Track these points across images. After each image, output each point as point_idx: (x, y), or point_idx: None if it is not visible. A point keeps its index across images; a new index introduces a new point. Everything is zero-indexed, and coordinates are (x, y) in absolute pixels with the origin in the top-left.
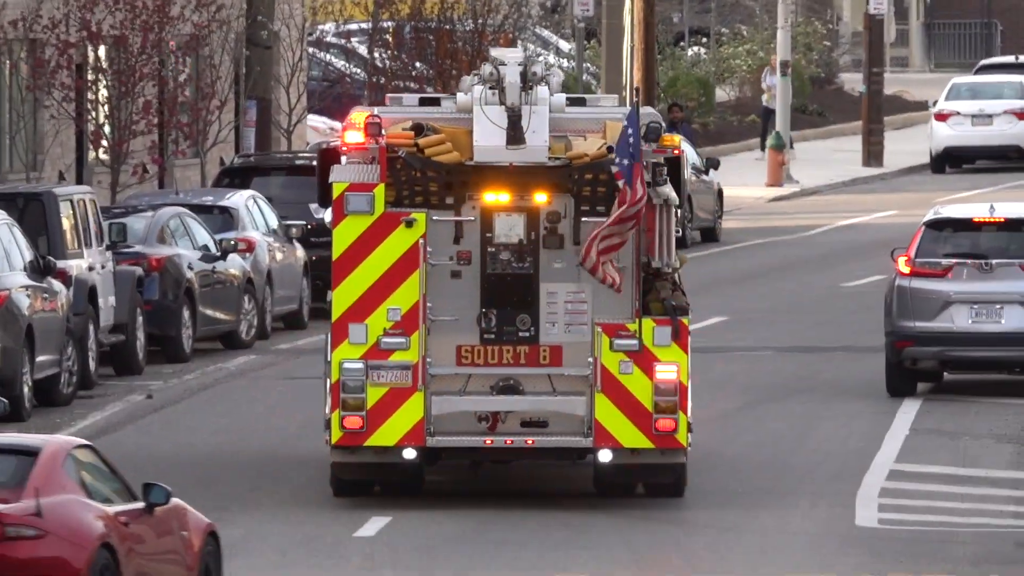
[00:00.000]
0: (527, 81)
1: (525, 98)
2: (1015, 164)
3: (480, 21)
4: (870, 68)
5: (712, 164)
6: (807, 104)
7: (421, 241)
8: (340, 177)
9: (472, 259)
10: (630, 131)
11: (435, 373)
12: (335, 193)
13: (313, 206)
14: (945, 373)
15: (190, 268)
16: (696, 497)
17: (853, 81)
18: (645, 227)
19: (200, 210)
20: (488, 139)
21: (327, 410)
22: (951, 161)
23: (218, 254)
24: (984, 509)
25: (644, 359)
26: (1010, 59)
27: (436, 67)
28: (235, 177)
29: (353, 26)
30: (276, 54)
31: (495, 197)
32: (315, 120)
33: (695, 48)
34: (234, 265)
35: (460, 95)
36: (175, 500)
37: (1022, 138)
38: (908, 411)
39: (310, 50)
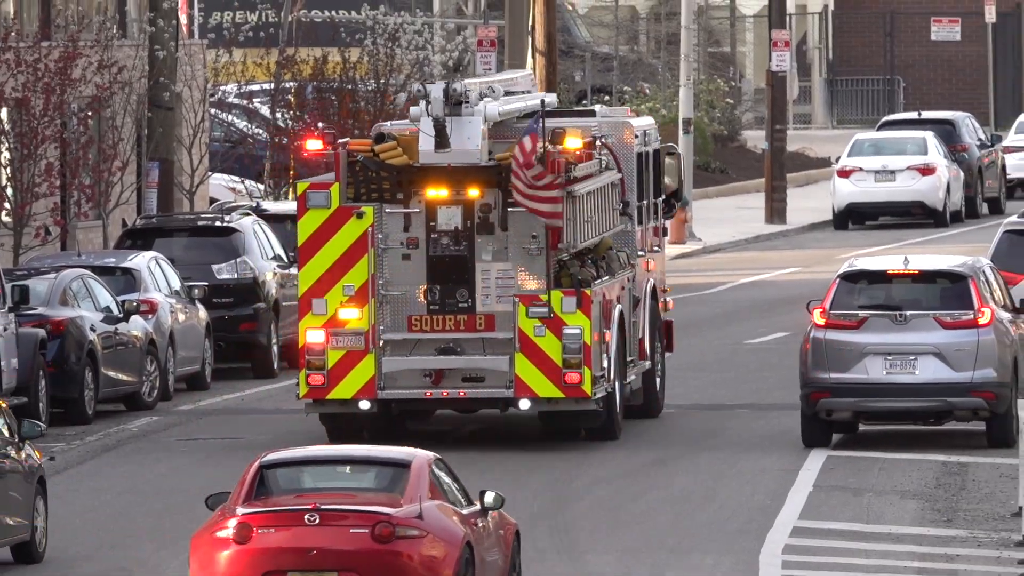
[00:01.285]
0: (449, 96)
1: (456, 110)
2: (919, 221)
3: (382, 81)
4: (773, 125)
5: None
6: (710, 161)
7: (370, 229)
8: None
9: (419, 244)
10: (535, 123)
11: (388, 338)
12: (298, 191)
13: (215, 267)
14: (860, 424)
15: (92, 330)
16: (603, 556)
17: (756, 138)
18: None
19: (102, 272)
20: (427, 144)
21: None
22: (854, 218)
23: (121, 316)
24: (887, 565)
25: (554, 324)
26: (913, 115)
27: (339, 127)
28: (137, 238)
29: (255, 87)
30: (178, 115)
31: (436, 192)
32: (219, 179)
33: (598, 106)
34: (137, 327)
35: (412, 108)
36: None
37: (926, 194)
38: (812, 467)
39: (212, 111)
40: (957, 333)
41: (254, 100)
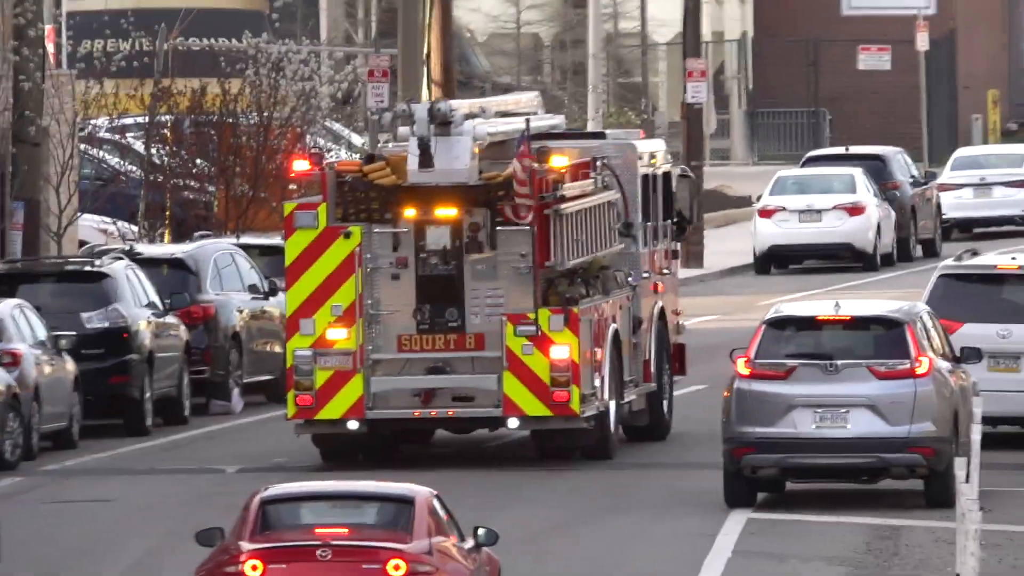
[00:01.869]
0: (434, 116)
1: (444, 130)
2: (847, 264)
3: (266, 114)
4: (689, 161)
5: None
6: None
7: (357, 250)
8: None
9: (408, 263)
10: (520, 139)
11: (377, 358)
12: (286, 211)
13: (85, 315)
14: (787, 482)
15: None
16: None
17: None
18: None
19: None
20: (414, 164)
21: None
22: (777, 261)
23: None
24: None
25: (542, 342)
26: (840, 150)
27: (219, 163)
28: (0, 284)
29: (128, 120)
30: (45, 151)
31: (424, 212)
32: (89, 220)
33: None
34: None
35: (401, 128)
36: None
37: (854, 235)
38: (731, 531)
39: (82, 146)
40: (892, 384)
41: (127, 135)
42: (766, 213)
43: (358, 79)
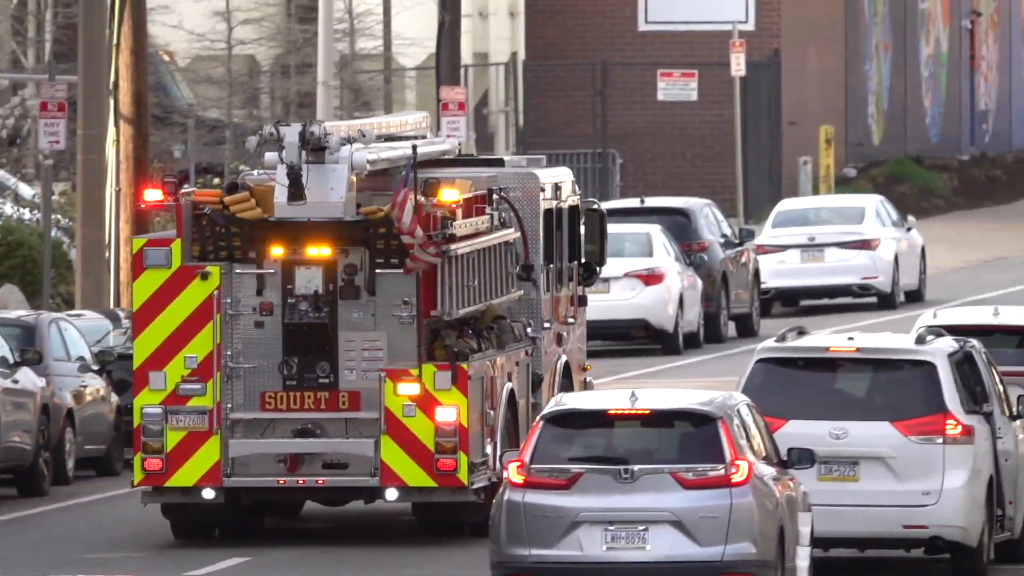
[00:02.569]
0: (306, 141)
1: (318, 156)
2: (641, 346)
3: None
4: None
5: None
6: None
7: (216, 292)
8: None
9: (274, 310)
10: (406, 175)
11: (237, 418)
12: (135, 247)
13: None
14: None
15: None
16: None
17: None
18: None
19: None
20: (282, 196)
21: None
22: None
23: None
24: None
25: (426, 402)
26: (633, 203)
27: None
28: None
29: None
30: None
31: (293, 251)
32: None
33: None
34: None
35: (268, 154)
36: None
37: (650, 310)
38: None
39: None
40: (703, 495)
41: None
42: None
43: (27, 113)
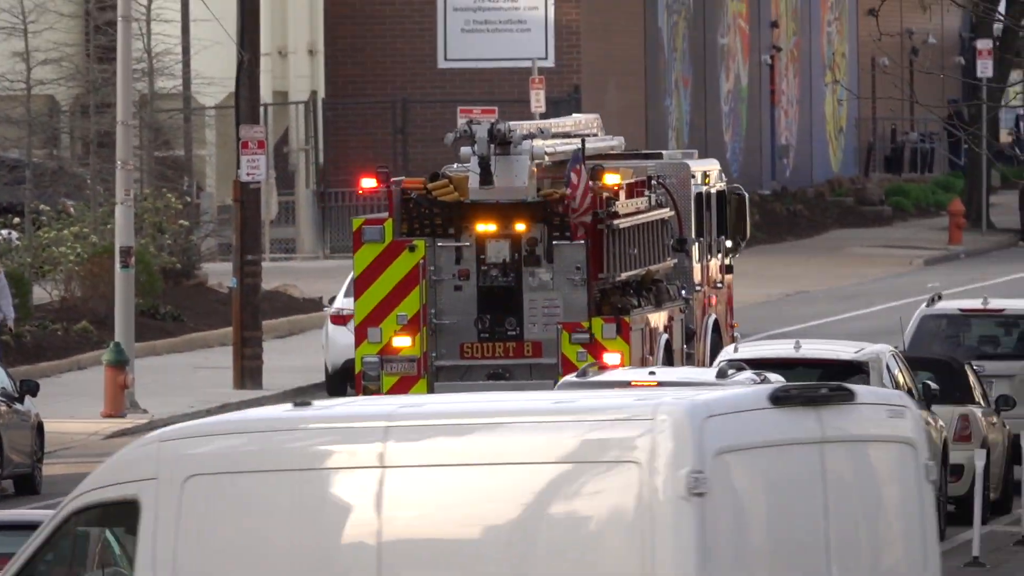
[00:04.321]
0: (494, 136)
1: (504, 149)
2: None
3: None
4: (243, 256)
5: (29, 389)
6: (159, 305)
7: (422, 262)
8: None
9: (470, 275)
10: (576, 164)
11: (441, 364)
12: (354, 226)
13: None
14: None
15: None
16: None
17: (221, 273)
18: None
19: None
20: (475, 182)
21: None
22: (355, 379)
23: None
24: None
25: (595, 349)
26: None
27: None
28: None
29: None
30: None
31: (485, 227)
32: None
33: (4, 232)
34: None
35: (463, 148)
36: None
37: None
38: None
39: None
40: None
41: None
42: (341, 319)
43: None
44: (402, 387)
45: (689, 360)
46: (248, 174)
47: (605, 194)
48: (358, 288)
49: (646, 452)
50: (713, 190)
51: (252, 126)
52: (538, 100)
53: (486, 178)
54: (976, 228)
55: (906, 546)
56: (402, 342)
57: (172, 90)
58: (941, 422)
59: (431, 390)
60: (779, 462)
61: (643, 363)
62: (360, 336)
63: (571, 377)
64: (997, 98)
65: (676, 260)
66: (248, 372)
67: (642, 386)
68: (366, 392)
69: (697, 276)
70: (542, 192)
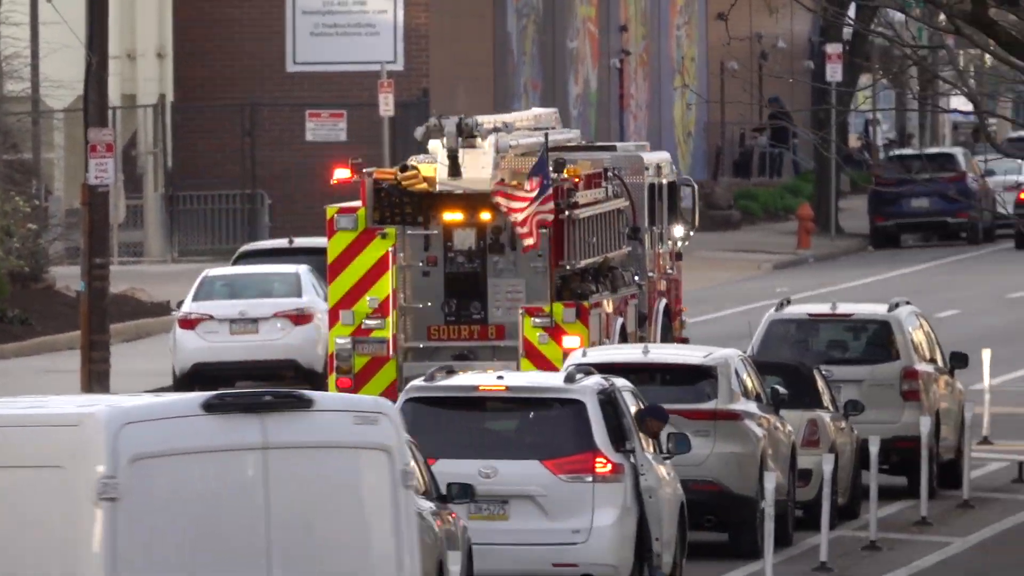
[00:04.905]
0: (461, 129)
1: (470, 142)
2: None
3: None
4: (91, 259)
5: None
6: (6, 308)
7: (392, 249)
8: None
9: (437, 262)
10: (542, 157)
11: (408, 346)
12: (328, 214)
13: None
14: None
15: None
16: None
17: (69, 277)
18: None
19: None
20: (443, 173)
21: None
22: (204, 383)
23: None
24: None
25: (555, 332)
26: (282, 242)
27: None
28: None
29: None
30: None
31: (452, 216)
32: None
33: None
34: None
35: (431, 141)
36: None
37: (300, 350)
38: None
39: None
40: None
41: None
42: (189, 323)
43: None
44: (373, 367)
45: (642, 342)
46: (96, 177)
47: (566, 186)
48: (331, 273)
49: (69, 457)
50: (665, 181)
51: (100, 129)
52: (387, 104)
53: (454, 170)
54: (825, 233)
55: (378, 550)
56: (373, 324)
57: (20, 93)
58: (789, 427)
59: (400, 371)
60: (212, 468)
61: (600, 345)
62: (333, 319)
63: (419, 381)
64: (847, 103)
65: (631, 248)
66: (96, 376)
67: (489, 390)
68: (339, 372)
69: (649, 263)
70: (506, 183)
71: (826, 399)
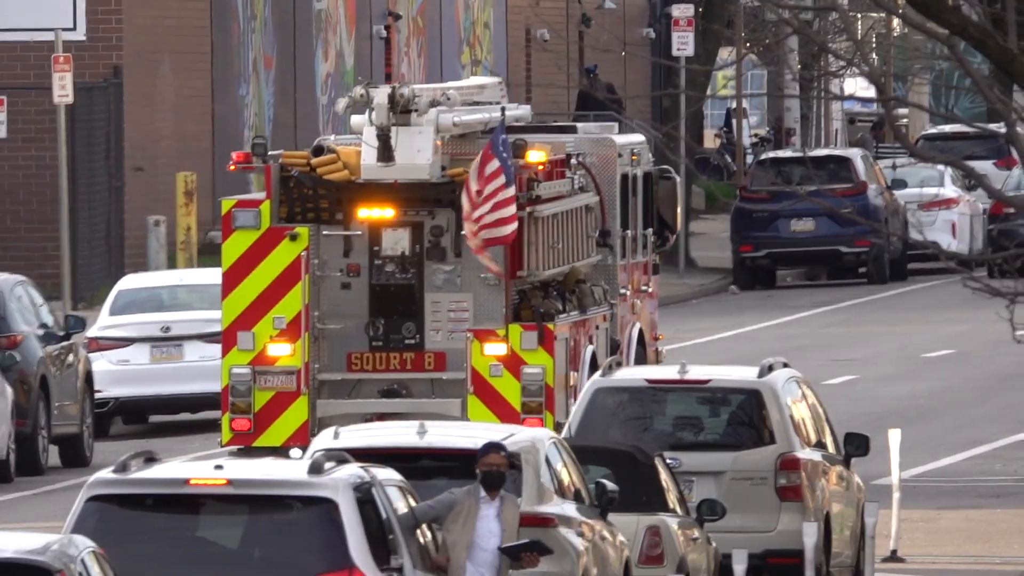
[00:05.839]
0: (395, 103)
1: (404, 119)
2: None
3: None
4: None
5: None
6: None
7: (304, 254)
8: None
9: (360, 271)
10: (500, 138)
11: (324, 379)
12: (224, 208)
13: None
14: None
15: None
16: None
17: None
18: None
19: None
20: (370, 158)
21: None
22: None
23: None
24: None
25: (512, 362)
26: None
27: None
28: None
29: None
30: None
31: (380, 212)
32: None
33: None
34: None
35: (354, 117)
36: None
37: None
38: None
39: None
40: None
41: None
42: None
43: None
44: (278, 405)
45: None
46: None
47: (527, 174)
48: (227, 284)
49: None
50: (640, 172)
51: None
52: (63, 86)
53: (385, 153)
54: (670, 267)
55: None
56: (279, 350)
57: None
58: (622, 537)
59: (312, 408)
60: None
61: (567, 382)
62: (228, 343)
63: (106, 473)
64: (701, 86)
65: (600, 256)
66: None
67: (203, 485)
68: (234, 410)
69: (622, 276)
70: (448, 172)
71: (672, 498)
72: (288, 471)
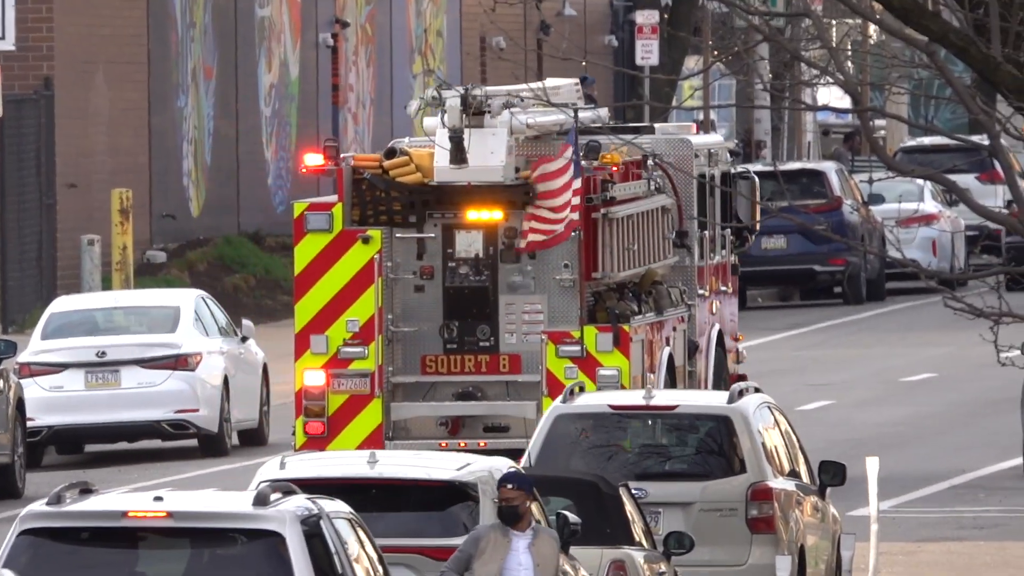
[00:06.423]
0: (468, 105)
1: (477, 121)
2: None
3: None
4: None
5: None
6: None
7: (377, 256)
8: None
9: (434, 274)
10: (571, 139)
11: (397, 381)
12: (296, 212)
13: None
14: None
15: None
16: None
17: None
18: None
19: None
20: (443, 160)
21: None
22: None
23: None
24: None
25: (588, 364)
26: None
27: None
28: None
29: None
30: None
31: (454, 215)
32: None
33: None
34: None
35: (427, 119)
36: None
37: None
38: None
39: None
40: None
41: None
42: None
43: None
44: (352, 408)
45: (691, 379)
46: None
47: (600, 177)
48: (299, 287)
49: None
50: (718, 172)
51: None
52: None
53: (458, 155)
54: None
55: None
56: (353, 353)
57: None
58: (584, 572)
59: (387, 412)
60: None
61: (642, 383)
62: (302, 346)
63: (39, 505)
64: (666, 97)
65: (677, 257)
66: None
67: (141, 518)
68: (308, 414)
69: (700, 277)
70: (521, 173)
71: (638, 530)
72: (232, 503)
